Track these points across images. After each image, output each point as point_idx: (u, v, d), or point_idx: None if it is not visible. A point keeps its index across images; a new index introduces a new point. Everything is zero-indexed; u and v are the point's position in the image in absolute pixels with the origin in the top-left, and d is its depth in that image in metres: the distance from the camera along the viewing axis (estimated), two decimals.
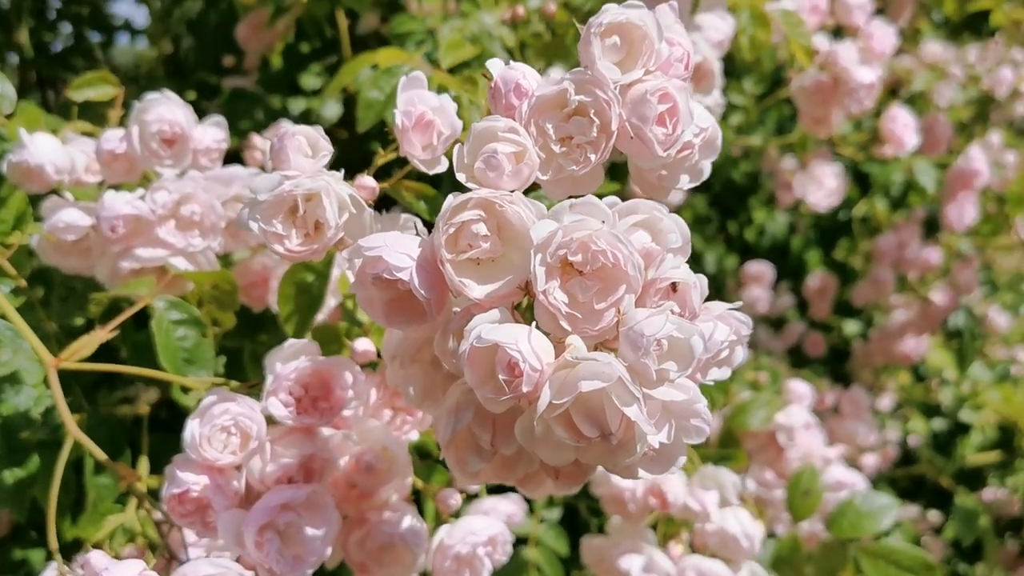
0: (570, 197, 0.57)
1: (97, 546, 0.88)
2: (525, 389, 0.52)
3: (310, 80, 1.78)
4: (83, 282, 1.02)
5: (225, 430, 0.74)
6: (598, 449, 0.54)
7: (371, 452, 0.79)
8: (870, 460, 2.23)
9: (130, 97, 1.05)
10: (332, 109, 1.72)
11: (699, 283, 0.58)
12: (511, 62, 0.62)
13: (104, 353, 0.86)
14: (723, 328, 0.60)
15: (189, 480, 0.73)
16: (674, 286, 0.57)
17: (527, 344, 0.52)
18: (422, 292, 0.57)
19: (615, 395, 0.51)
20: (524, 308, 0.60)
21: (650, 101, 0.58)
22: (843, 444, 2.01)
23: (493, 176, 0.58)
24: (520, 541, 1.38)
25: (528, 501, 1.42)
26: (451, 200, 0.57)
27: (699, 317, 0.59)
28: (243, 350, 1.10)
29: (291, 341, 0.79)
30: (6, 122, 1.02)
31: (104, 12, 2.13)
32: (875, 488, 1.85)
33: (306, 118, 1.69)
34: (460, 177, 0.59)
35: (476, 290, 0.56)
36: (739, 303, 0.63)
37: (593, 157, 0.59)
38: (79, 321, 1.01)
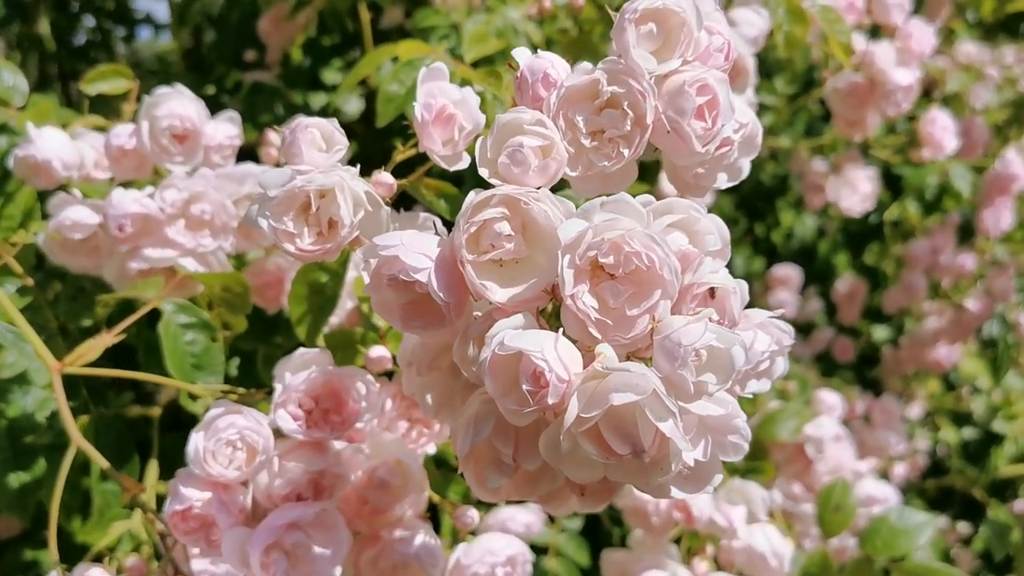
0: (600, 195, 0.53)
1: (101, 555, 0.86)
2: (551, 401, 0.48)
3: (331, 75, 1.76)
4: (92, 282, 1.00)
5: (231, 444, 0.71)
6: (629, 467, 0.50)
7: (385, 467, 0.75)
8: (899, 470, 2.18)
9: (148, 91, 1.02)
10: (353, 104, 1.69)
11: (739, 289, 0.54)
12: (539, 51, 0.59)
13: (120, 352, 0.84)
14: (764, 337, 0.56)
15: (192, 496, 0.70)
16: (712, 292, 0.53)
17: (553, 352, 0.48)
18: (441, 295, 0.53)
19: (649, 409, 0.47)
20: (550, 314, 0.56)
21: (688, 93, 0.55)
22: (874, 454, 1.96)
23: (518, 172, 0.54)
24: (540, 551, 1.35)
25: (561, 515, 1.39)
26: (472, 197, 0.53)
27: (739, 325, 0.55)
28: (256, 353, 1.06)
29: (301, 350, 0.75)
30: (17, 115, 0.99)
31: (126, 6, 2.12)
32: (904, 498, 1.80)
33: (326, 113, 1.66)
34: (483, 172, 0.55)
35: (498, 293, 0.53)
36: (781, 311, 0.59)
37: (626, 152, 0.55)
38: (87, 322, 0.98)
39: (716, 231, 0.54)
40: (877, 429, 2.03)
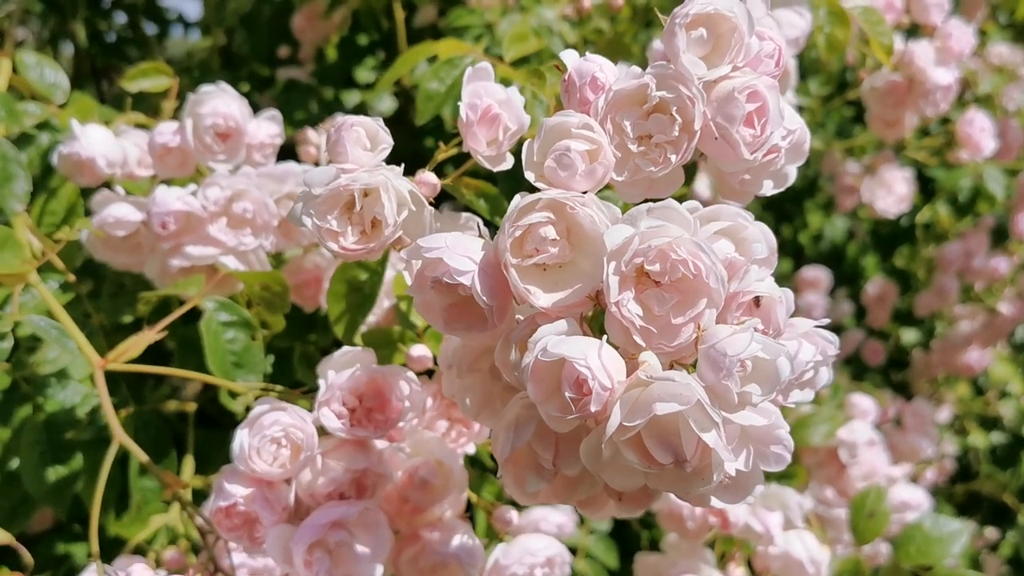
0: (645, 201, 0.52)
1: (140, 548, 0.87)
2: (593, 409, 0.48)
3: (364, 73, 1.75)
4: (133, 278, 1.00)
5: (275, 441, 0.71)
6: (671, 476, 0.50)
7: (426, 466, 0.75)
8: (927, 474, 2.16)
9: (184, 88, 1.03)
10: (386, 103, 1.69)
11: (785, 298, 0.54)
12: (587, 54, 0.58)
13: (151, 346, 0.84)
14: (809, 347, 0.56)
15: (237, 493, 0.70)
16: (757, 300, 0.53)
17: (597, 360, 0.48)
18: (484, 298, 0.53)
19: (693, 419, 0.46)
20: (592, 319, 0.55)
21: (738, 99, 0.54)
22: (905, 458, 1.94)
23: (565, 176, 0.54)
24: (569, 552, 1.35)
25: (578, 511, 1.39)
26: (518, 200, 0.53)
27: (783, 335, 0.54)
28: (293, 350, 1.07)
29: (345, 348, 0.75)
30: (59, 112, 1.00)
31: (158, 4, 2.13)
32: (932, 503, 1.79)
33: (360, 111, 1.65)
34: (529, 176, 0.55)
35: (542, 298, 0.52)
36: (826, 320, 0.58)
37: (673, 158, 0.55)
38: (128, 318, 0.99)
39: (763, 239, 0.54)
40: (909, 433, 2.01)
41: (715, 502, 0.54)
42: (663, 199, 0.52)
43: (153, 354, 0.92)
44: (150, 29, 2.16)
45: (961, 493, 2.39)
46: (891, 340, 2.53)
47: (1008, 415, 2.35)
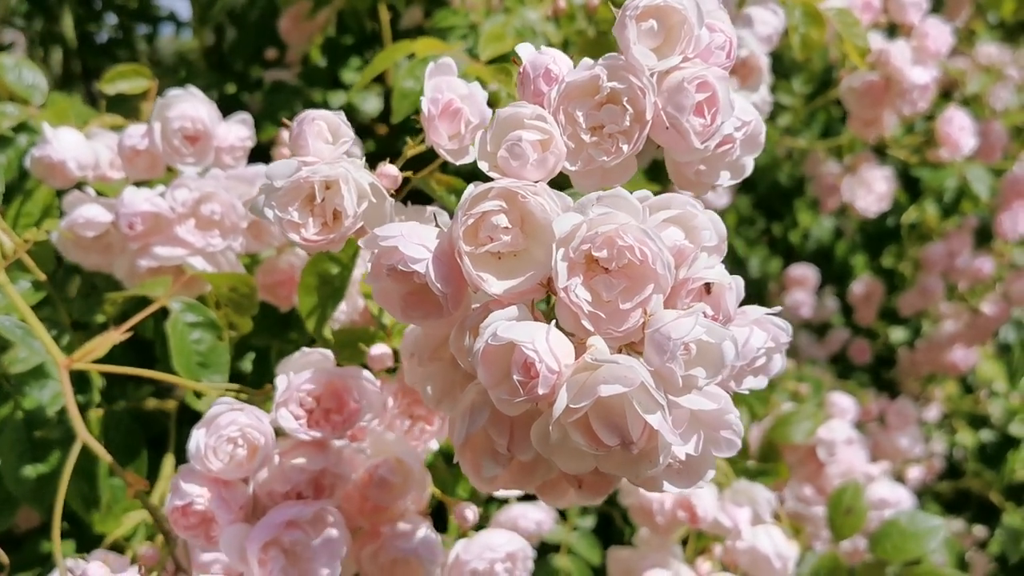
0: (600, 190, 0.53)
1: (117, 545, 0.87)
2: (541, 391, 0.48)
3: (350, 75, 1.76)
4: (104, 279, 1.01)
5: (232, 441, 0.72)
6: (619, 458, 0.51)
7: (385, 465, 0.76)
8: (915, 472, 2.17)
9: (166, 89, 1.03)
10: (372, 103, 1.69)
11: (735, 285, 0.55)
12: (543, 47, 0.59)
13: (140, 346, 0.85)
14: (760, 334, 0.57)
15: (193, 492, 0.71)
16: (708, 287, 0.54)
17: (544, 343, 0.49)
18: (438, 285, 0.54)
19: (637, 401, 0.47)
20: (550, 308, 0.56)
21: (687, 89, 0.55)
22: (888, 456, 1.95)
23: (516, 165, 0.54)
24: (552, 549, 1.36)
25: (561, 508, 1.39)
26: (471, 189, 0.54)
27: (734, 321, 0.55)
28: (271, 348, 1.07)
29: (304, 349, 0.76)
30: (37, 114, 1.01)
31: (149, 3, 2.13)
32: (919, 501, 1.79)
33: (346, 112, 1.66)
34: (482, 166, 0.56)
35: (495, 285, 0.53)
36: (778, 308, 0.59)
37: (625, 148, 0.56)
38: (100, 318, 0.99)
39: (712, 227, 0.54)
40: (892, 431, 2.02)
41: (668, 486, 0.55)
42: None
43: (141, 354, 0.93)
44: (141, 29, 2.16)
45: (949, 491, 2.39)
46: (880, 338, 2.54)
47: (996, 413, 2.35)
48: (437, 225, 0.59)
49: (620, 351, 0.52)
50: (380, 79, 1.54)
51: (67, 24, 1.94)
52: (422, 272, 0.54)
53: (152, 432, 1.13)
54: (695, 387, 0.49)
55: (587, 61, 0.56)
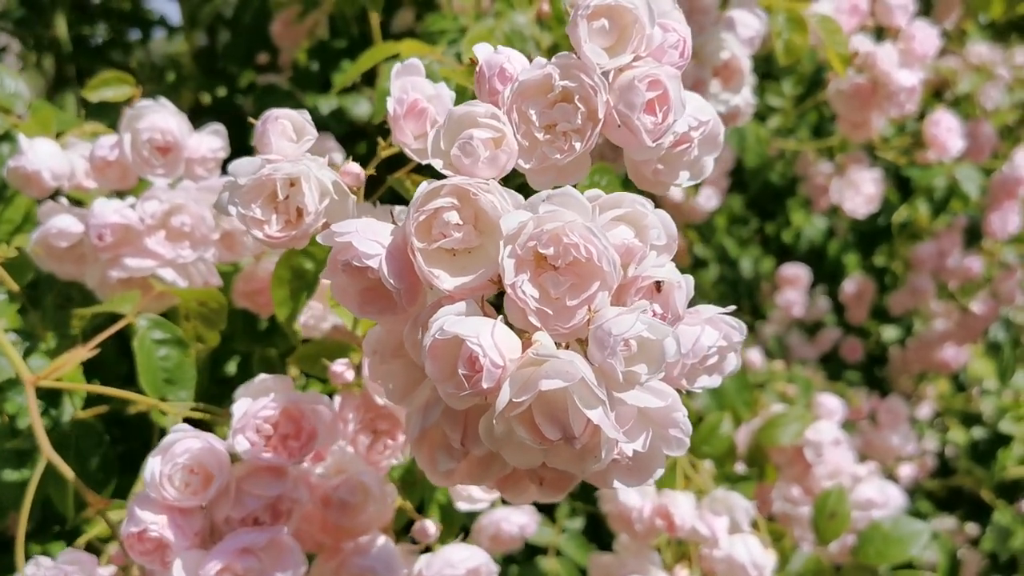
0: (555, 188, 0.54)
1: (92, 546, 0.88)
2: (485, 385, 0.49)
3: (342, 78, 1.76)
4: (79, 290, 1.01)
5: (187, 469, 0.72)
6: (563, 453, 0.51)
7: (345, 486, 0.77)
8: (907, 470, 2.18)
9: (159, 94, 1.03)
10: (363, 107, 1.70)
11: (685, 284, 0.55)
12: (499, 47, 0.60)
13: (126, 350, 0.85)
14: (712, 332, 0.57)
15: (147, 519, 0.71)
16: (658, 286, 0.54)
17: (489, 338, 0.49)
18: (391, 281, 0.55)
19: (578, 396, 0.48)
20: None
21: (638, 88, 0.55)
22: (879, 455, 1.96)
23: (468, 163, 0.55)
24: (540, 551, 1.36)
25: (551, 510, 1.39)
26: (424, 187, 0.54)
27: (684, 319, 0.56)
28: (253, 354, 1.08)
29: (262, 376, 0.77)
30: (18, 122, 1.01)
31: (141, 7, 2.14)
32: (912, 499, 1.79)
33: (337, 116, 1.68)
34: (435, 163, 0.57)
35: (447, 282, 0.54)
36: (731, 307, 0.60)
37: (578, 145, 0.56)
38: (75, 330, 1.00)
39: (661, 226, 0.55)
40: (883, 430, 2.02)
41: (618, 483, 0.56)
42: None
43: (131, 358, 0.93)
44: (134, 34, 2.17)
45: (941, 489, 2.40)
46: (871, 337, 2.55)
47: (987, 411, 2.36)
48: (394, 222, 0.60)
49: (568, 347, 0.52)
50: (372, 82, 1.55)
51: (60, 28, 1.94)
52: (375, 268, 0.54)
53: (143, 438, 1.14)
54: (637, 383, 0.50)
55: (540, 60, 0.57)
